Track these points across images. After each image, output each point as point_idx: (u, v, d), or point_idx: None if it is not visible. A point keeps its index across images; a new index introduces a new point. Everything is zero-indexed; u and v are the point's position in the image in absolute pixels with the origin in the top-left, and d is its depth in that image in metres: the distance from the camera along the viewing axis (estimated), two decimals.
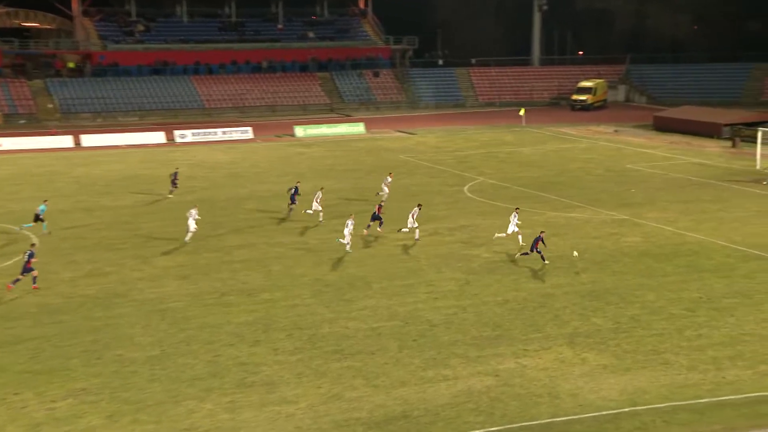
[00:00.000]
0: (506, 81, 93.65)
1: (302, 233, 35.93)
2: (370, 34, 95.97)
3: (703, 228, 35.89)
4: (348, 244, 31.77)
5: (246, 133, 67.92)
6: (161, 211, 39.63)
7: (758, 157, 50.65)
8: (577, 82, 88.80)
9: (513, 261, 30.93)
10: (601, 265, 31.15)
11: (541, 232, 31.00)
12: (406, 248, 33.50)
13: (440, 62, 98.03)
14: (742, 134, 60.85)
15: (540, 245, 30.40)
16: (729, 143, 60.53)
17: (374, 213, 34.53)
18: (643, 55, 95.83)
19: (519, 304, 27.01)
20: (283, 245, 34.15)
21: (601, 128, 71.57)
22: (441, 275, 30.07)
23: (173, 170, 44.21)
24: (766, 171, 48.36)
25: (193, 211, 33.81)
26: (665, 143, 61.93)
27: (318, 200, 36.51)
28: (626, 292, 27.93)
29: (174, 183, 42.54)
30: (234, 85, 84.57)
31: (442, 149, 60.82)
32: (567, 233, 35.71)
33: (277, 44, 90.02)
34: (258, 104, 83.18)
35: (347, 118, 79.20)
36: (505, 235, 32.29)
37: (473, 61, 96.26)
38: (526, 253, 30.99)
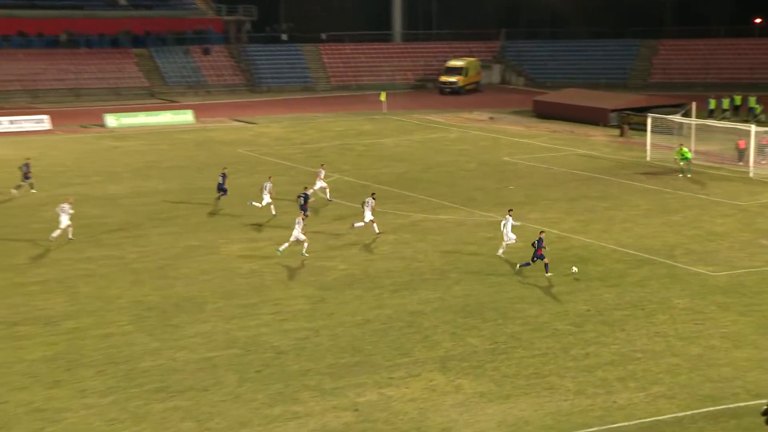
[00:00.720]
0: (363, 60, 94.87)
1: (119, 245, 34.96)
2: (197, 1, 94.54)
3: (591, 230, 37.57)
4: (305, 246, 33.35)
5: (41, 122, 65.44)
6: None
7: (648, 147, 53.71)
8: (446, 62, 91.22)
9: (506, 274, 31.51)
10: (477, 275, 31.98)
11: (541, 232, 31.70)
12: (248, 259, 33.26)
13: (284, 37, 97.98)
14: (631, 121, 64.53)
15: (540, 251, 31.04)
16: (617, 132, 63.91)
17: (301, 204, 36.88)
18: (520, 30, 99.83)
19: (383, 324, 27.32)
20: (93, 260, 33.11)
21: (475, 115, 73.70)
22: (289, 292, 30.01)
23: (23, 161, 44.61)
24: (662, 163, 51.32)
25: (65, 206, 35.06)
26: (547, 132, 64.58)
27: (267, 191, 38.74)
28: (505, 307, 28.83)
29: (26, 176, 43.65)
30: (23, 62, 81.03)
31: (288, 141, 60.74)
32: (437, 238, 36.53)
33: (79, 12, 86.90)
34: (56, 87, 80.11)
35: (172, 105, 77.84)
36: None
37: (324, 36, 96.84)
38: (528, 264, 31.48)
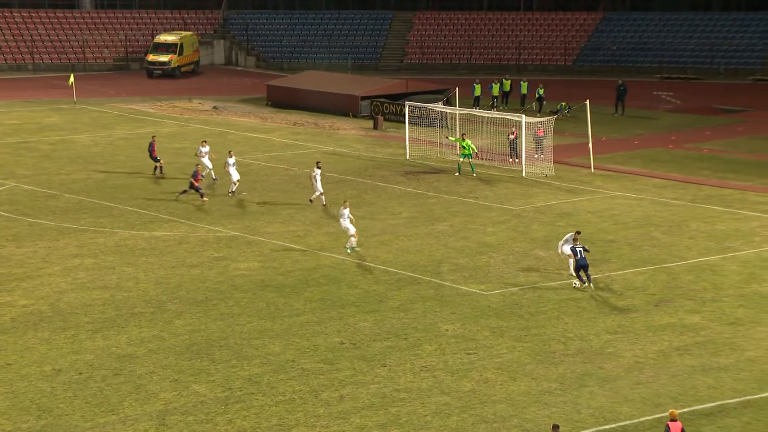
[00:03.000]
0: (42, 32, 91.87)
1: None
2: None
3: (343, 244, 38.59)
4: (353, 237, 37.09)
5: None
6: None
7: (407, 142, 55.71)
8: (154, 37, 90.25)
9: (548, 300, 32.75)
10: (204, 305, 31.99)
11: (576, 232, 34.81)
12: None
13: None
14: (386, 111, 66.81)
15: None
16: (370, 123, 65.85)
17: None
18: None
19: (80, 374, 26.74)
20: None
21: (195, 104, 73.55)
22: None
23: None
24: (423, 162, 53.36)
25: None
26: (286, 125, 65.49)
27: (230, 166, 46.15)
28: (241, 343, 29.01)
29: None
30: None
31: None
32: (151, 261, 36.26)
33: None
34: None
35: None
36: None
37: None
38: (582, 280, 33.72)
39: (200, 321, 30.61)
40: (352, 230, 37.51)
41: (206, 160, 48.31)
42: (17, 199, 44.83)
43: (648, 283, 34.62)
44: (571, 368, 27.62)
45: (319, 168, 43.92)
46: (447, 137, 53.17)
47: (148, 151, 50.11)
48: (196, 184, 44.31)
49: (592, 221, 42.17)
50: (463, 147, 50.69)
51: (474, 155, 50.72)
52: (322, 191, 43.80)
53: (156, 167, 49.71)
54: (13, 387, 25.96)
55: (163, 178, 49.16)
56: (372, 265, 36.16)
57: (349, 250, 37.37)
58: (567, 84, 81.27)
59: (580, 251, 33.62)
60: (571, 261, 34.23)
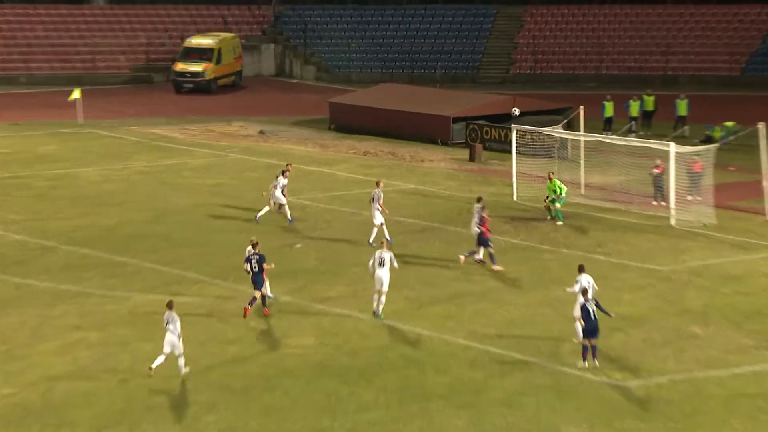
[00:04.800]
0: (40, 33, 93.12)
1: None
2: None
3: (428, 313, 38.08)
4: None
5: None
6: None
7: (515, 178, 55.17)
8: (185, 39, 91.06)
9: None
10: (244, 396, 31.74)
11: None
12: None
13: None
14: (486, 136, 66.45)
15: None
16: (465, 153, 65.55)
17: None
18: None
19: None
20: None
21: (235, 127, 74.05)
22: None
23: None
24: (534, 204, 52.85)
25: None
26: (354, 154, 65.61)
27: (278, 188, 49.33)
28: None
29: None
30: None
31: None
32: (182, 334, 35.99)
33: None
34: None
35: None
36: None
37: None
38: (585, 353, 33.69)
39: (238, 417, 30.32)
40: (386, 285, 37.59)
41: (279, 193, 49.47)
42: (2, 252, 45.09)
43: None
44: None
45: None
46: (551, 175, 52.41)
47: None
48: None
49: None
50: (554, 189, 50.23)
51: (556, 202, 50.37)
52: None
53: (278, 205, 50.06)
54: None
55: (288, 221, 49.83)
56: (466, 343, 35.69)
57: (381, 315, 37.70)
58: (731, 101, 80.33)
59: (593, 311, 33.19)
60: (578, 325, 34.17)
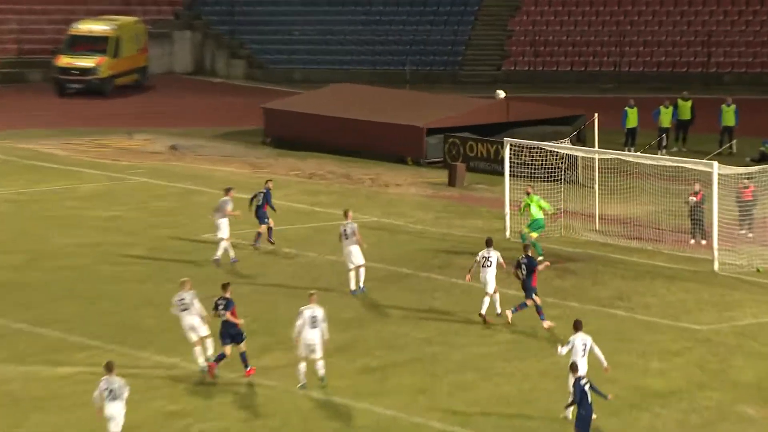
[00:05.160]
0: None
1: None
2: None
3: (393, 387, 38.06)
4: None
5: None
6: None
7: (508, 208, 55.03)
8: (74, 25, 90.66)
9: None
10: None
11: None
12: None
13: None
14: (471, 153, 66.31)
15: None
16: (443, 175, 65.40)
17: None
18: None
19: None
20: None
21: (138, 141, 74.01)
22: None
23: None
24: (529, 240, 52.79)
25: None
26: (296, 177, 65.72)
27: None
28: None
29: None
30: None
31: None
32: (41, 423, 35.79)
33: None
34: None
35: None
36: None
37: None
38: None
39: None
40: (319, 351, 37.96)
41: (224, 223, 49.96)
42: None
43: None
44: None
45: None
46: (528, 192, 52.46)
47: (257, 205, 51.21)
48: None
49: None
50: (534, 207, 51.05)
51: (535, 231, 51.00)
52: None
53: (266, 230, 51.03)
54: None
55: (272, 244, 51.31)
56: (442, 427, 35.57)
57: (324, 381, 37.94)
58: None
59: (586, 392, 33.33)
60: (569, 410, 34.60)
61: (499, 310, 43.89)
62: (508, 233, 54.21)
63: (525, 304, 43.40)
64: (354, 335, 38.92)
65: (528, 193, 51.52)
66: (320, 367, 37.81)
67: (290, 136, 72.58)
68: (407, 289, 47.51)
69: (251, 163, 68.58)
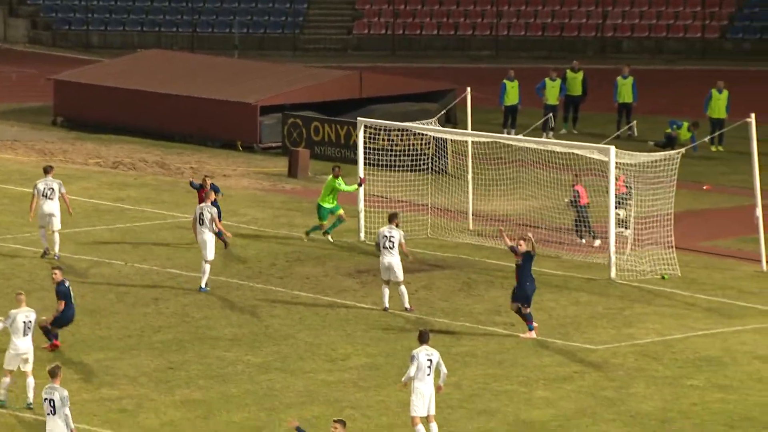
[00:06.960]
0: None
1: None
2: None
3: (215, 426, 38.00)
4: None
5: None
6: None
7: (362, 204, 55.14)
8: None
9: None
10: None
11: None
12: None
13: None
14: (316, 137, 66.88)
15: None
16: (282, 163, 66.01)
17: None
18: None
19: None
20: None
21: None
22: None
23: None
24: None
25: None
26: (97, 166, 66.18)
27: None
28: None
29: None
30: None
31: None
32: None
33: None
34: None
35: None
36: None
37: None
38: None
39: None
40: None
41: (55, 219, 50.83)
42: None
43: None
44: None
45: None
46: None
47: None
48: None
49: (765, 379, 42.05)
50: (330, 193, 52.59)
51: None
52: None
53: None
54: None
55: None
56: None
57: None
58: (706, 78, 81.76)
59: None
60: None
61: (407, 305, 44.44)
62: (362, 234, 54.79)
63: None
64: (171, 361, 38.85)
65: (336, 173, 52.59)
66: (31, 385, 37.94)
67: (88, 115, 72.74)
68: (238, 304, 47.85)
69: (40, 149, 68.41)
